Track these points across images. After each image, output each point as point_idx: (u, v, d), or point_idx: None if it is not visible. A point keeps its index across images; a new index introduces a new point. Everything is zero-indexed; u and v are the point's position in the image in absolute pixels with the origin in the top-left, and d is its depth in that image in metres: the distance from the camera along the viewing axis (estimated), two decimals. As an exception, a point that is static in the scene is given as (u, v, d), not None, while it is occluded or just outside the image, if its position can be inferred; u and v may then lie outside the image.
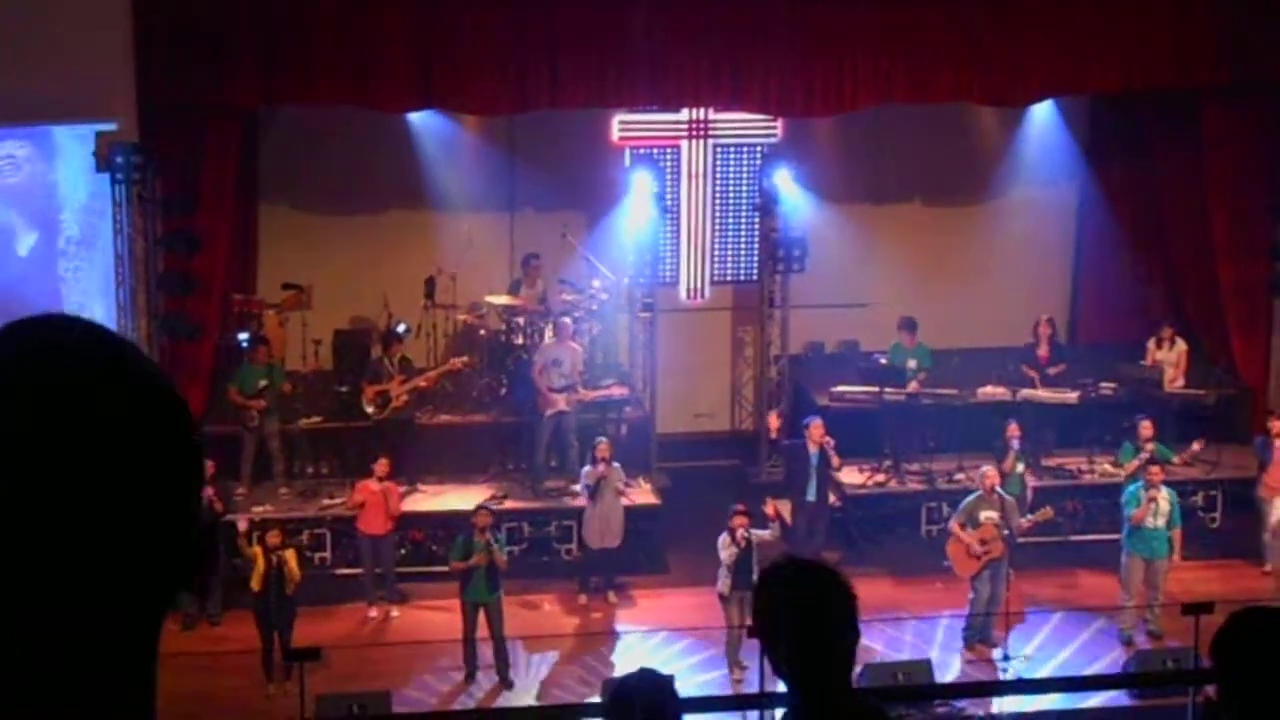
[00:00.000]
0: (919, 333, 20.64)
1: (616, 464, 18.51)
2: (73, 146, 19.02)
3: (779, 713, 3.73)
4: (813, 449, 18.44)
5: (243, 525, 17.39)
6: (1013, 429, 18.48)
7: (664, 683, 5.31)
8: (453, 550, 16.88)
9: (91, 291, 19.62)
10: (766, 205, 21.72)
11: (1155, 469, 17.50)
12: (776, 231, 21.49)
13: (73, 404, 1.53)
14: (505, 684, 16.54)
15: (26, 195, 19.15)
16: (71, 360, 1.56)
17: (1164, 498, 17.25)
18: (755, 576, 15.97)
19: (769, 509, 17.02)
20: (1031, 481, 18.66)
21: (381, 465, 18.05)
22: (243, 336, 20.10)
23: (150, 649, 1.61)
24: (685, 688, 14.40)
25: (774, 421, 20.46)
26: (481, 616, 16.58)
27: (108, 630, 1.55)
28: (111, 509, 1.53)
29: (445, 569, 17.23)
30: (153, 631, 1.61)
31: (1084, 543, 19.57)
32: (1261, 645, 3.69)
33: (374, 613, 18.20)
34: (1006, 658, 16.78)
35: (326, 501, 19.26)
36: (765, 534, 16.65)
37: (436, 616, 17.74)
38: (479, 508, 17.21)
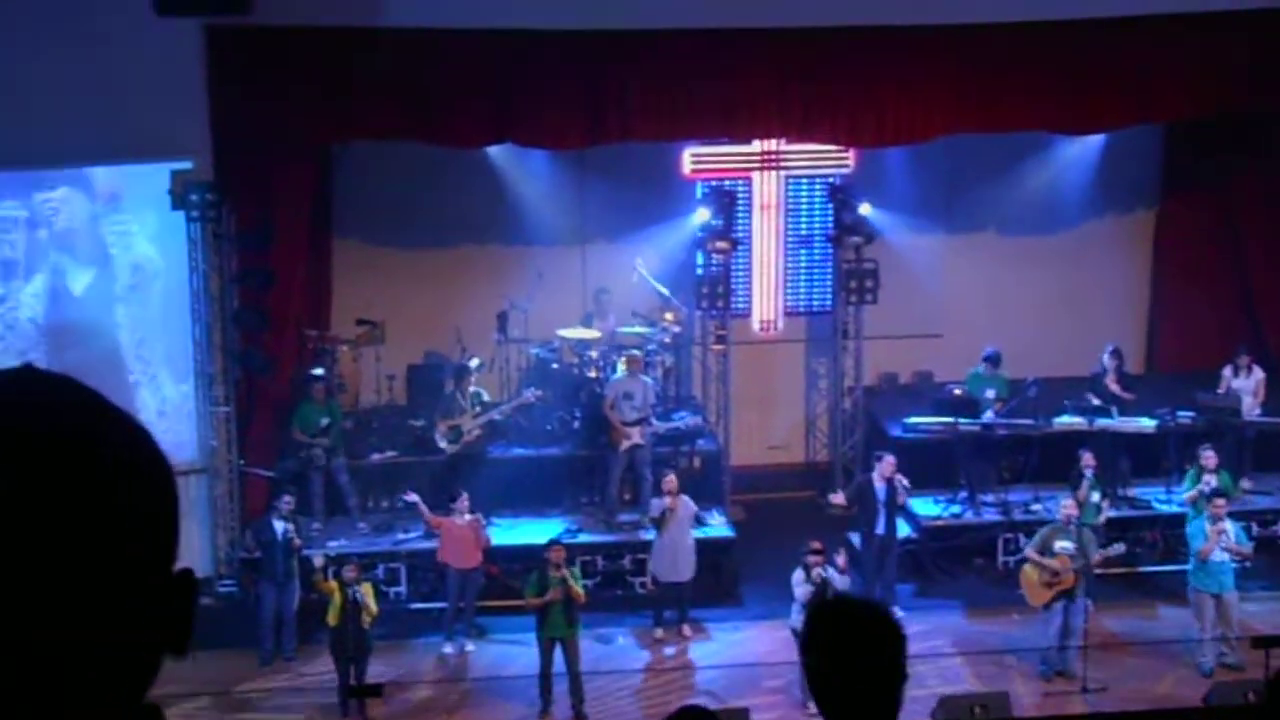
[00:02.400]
0: (1003, 361, 20.53)
1: (685, 496, 18.47)
2: (135, 186, 19.13)
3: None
4: (880, 484, 18.35)
5: (319, 561, 17.46)
6: (1087, 458, 18.33)
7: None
8: (528, 586, 16.85)
9: (153, 326, 19.72)
10: (839, 236, 21.67)
11: (1220, 501, 17.33)
12: (849, 262, 21.44)
13: (47, 459, 1.51)
14: (581, 718, 16.51)
15: (72, 236, 19.29)
16: (43, 415, 1.55)
17: (1229, 530, 17.08)
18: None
19: (839, 561, 16.81)
20: (1106, 511, 18.47)
21: (462, 501, 18.06)
22: (317, 371, 20.20)
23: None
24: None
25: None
26: (558, 652, 16.55)
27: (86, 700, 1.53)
28: (89, 566, 1.51)
29: (520, 603, 17.20)
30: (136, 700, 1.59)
31: (1163, 574, 19.36)
32: None
33: (449, 649, 18.19)
34: (1085, 690, 16.61)
35: (401, 535, 19.31)
36: (839, 581, 16.48)
37: (513, 651, 17.72)
38: (551, 542, 17.18)
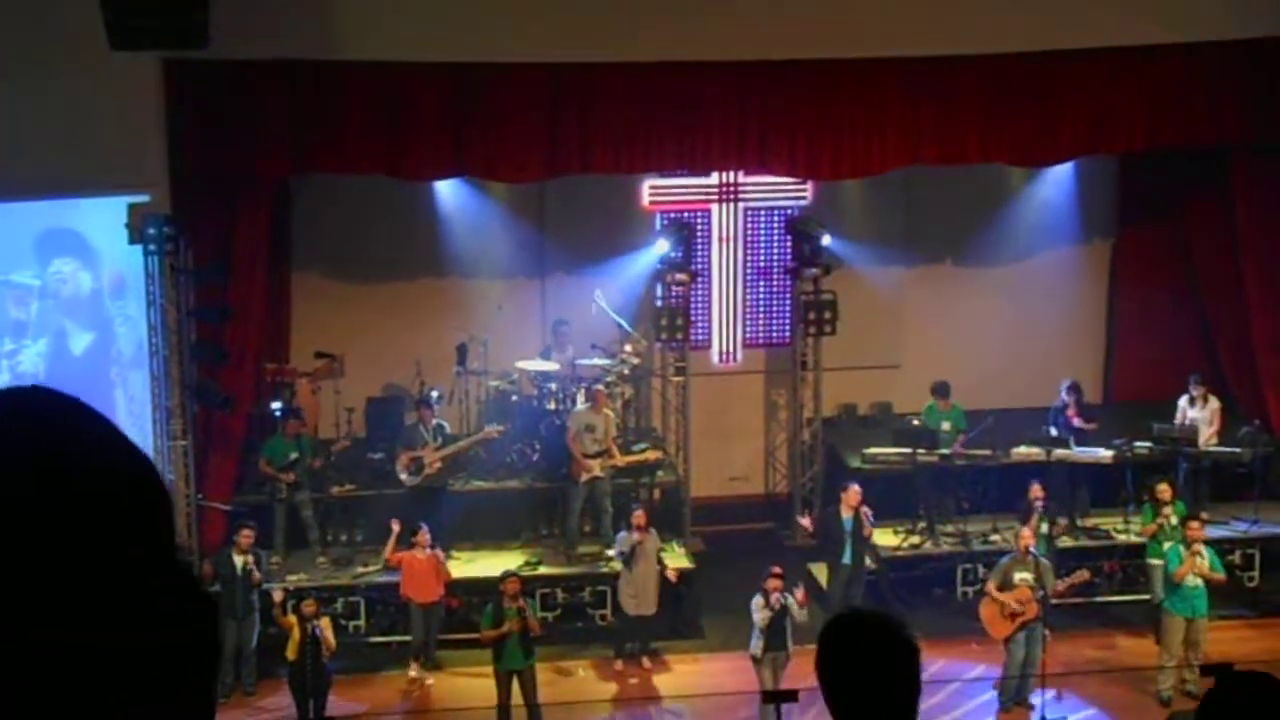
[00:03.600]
0: (952, 395, 20.59)
1: (653, 530, 18.50)
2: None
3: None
4: (846, 514, 18.39)
5: (278, 595, 17.40)
6: (1035, 490, 18.38)
7: None
8: (484, 618, 16.84)
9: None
10: (797, 267, 21.74)
11: (1195, 524, 17.44)
12: (808, 294, 21.51)
13: (42, 474, 1.53)
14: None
15: (78, 304, 19.75)
16: (36, 430, 1.57)
17: (1202, 555, 17.17)
18: (788, 640, 16.04)
19: (798, 594, 16.78)
20: (1056, 540, 18.55)
21: (423, 534, 18.02)
22: (276, 405, 20.16)
23: None
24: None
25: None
26: (516, 684, 16.52)
27: None
28: (86, 569, 1.53)
29: (478, 635, 17.16)
30: None
31: (1120, 603, 19.45)
32: (1240, 712, 3.74)
33: (414, 672, 18.13)
34: (1044, 719, 16.65)
35: (361, 569, 19.27)
36: (797, 613, 16.49)
37: (472, 684, 17.67)
38: (506, 574, 17.16)
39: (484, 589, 18.22)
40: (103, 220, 19.24)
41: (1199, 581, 17.13)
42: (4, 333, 19.15)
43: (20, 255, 19.28)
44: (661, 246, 21.31)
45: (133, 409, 19.79)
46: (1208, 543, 17.55)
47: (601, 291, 21.71)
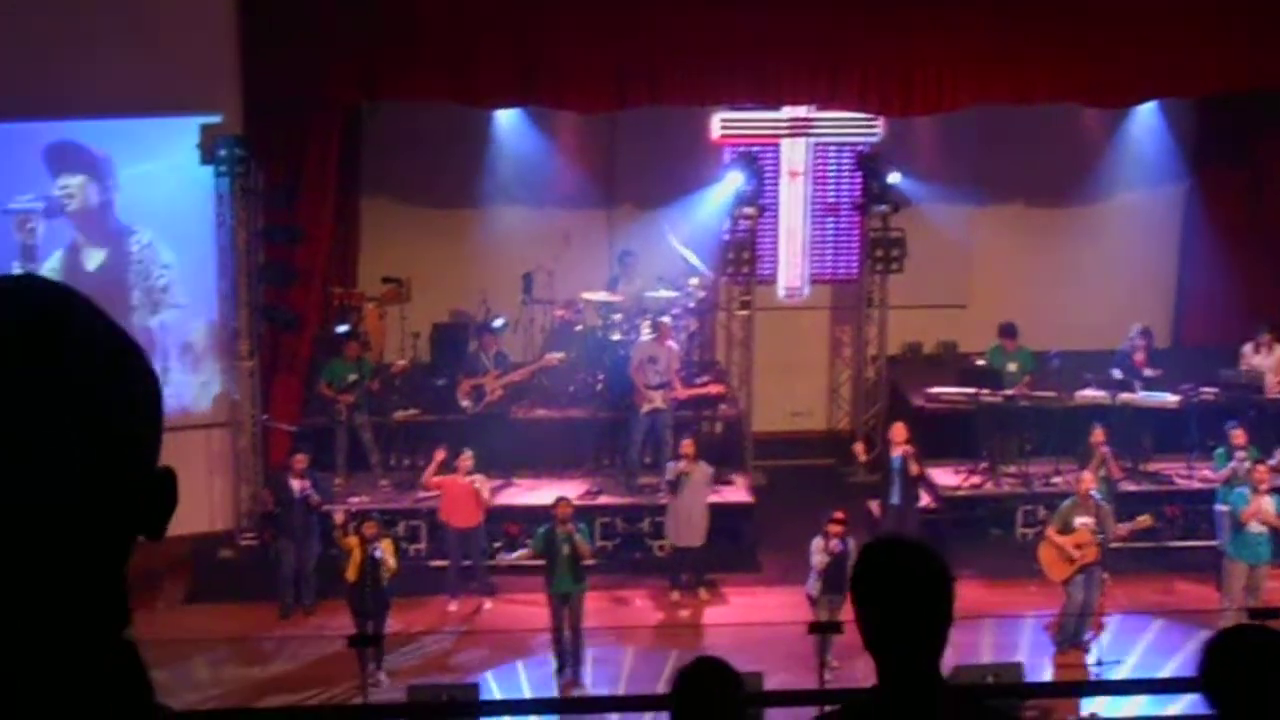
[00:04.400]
0: (1019, 336, 20.48)
1: (702, 461, 18.49)
2: (164, 146, 19.21)
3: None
4: (894, 453, 18.35)
5: (339, 517, 17.55)
6: (1097, 433, 18.29)
7: (725, 670, 5.31)
8: (534, 540, 16.92)
9: (177, 289, 19.85)
10: (866, 204, 21.66)
11: (1261, 468, 17.32)
12: (876, 231, 21.43)
13: (24, 344, 1.58)
14: (574, 675, 16.57)
15: (87, 219, 19.48)
16: (22, 305, 1.62)
17: (1269, 501, 17.06)
18: (846, 585, 15.92)
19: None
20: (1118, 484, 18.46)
21: (465, 459, 18.12)
22: (341, 328, 20.29)
23: (116, 600, 1.67)
24: (773, 685, 14.42)
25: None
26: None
27: (63, 573, 1.59)
28: (61, 447, 1.57)
29: (539, 562, 17.24)
30: (115, 580, 1.66)
31: (1182, 549, 19.35)
32: (1245, 665, 3.82)
33: (454, 606, 18.29)
34: (1099, 663, 16.61)
35: (422, 494, 19.40)
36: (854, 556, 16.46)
37: (529, 610, 17.79)
38: (559, 499, 17.21)
39: (544, 518, 18.27)
40: (111, 133, 19.19)
41: (1263, 528, 17.03)
42: (13, 259, 19.15)
43: (20, 179, 19.02)
44: (735, 179, 21.20)
45: (160, 316, 19.86)
46: (1274, 491, 17.42)
47: (669, 223, 21.71)
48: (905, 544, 3.71)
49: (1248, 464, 17.73)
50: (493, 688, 16.02)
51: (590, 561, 16.91)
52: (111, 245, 19.62)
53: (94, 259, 19.58)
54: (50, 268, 19.22)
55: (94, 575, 1.64)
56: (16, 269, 18.90)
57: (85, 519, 1.60)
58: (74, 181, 19.22)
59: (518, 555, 17.16)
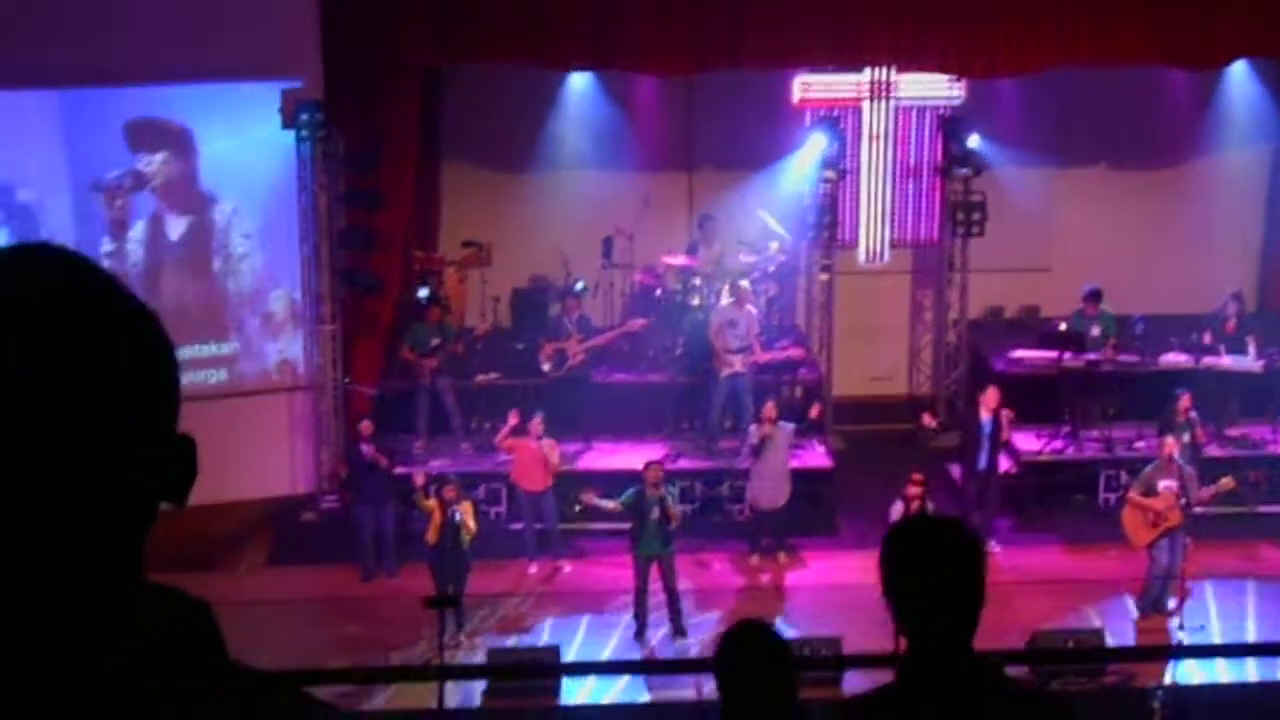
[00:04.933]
0: (1104, 301, 20.29)
1: (784, 423, 18.46)
2: (249, 117, 19.33)
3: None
4: (985, 416, 18.25)
5: (420, 479, 17.63)
6: (1185, 401, 18.12)
7: (769, 634, 5.30)
8: (623, 498, 16.93)
9: (257, 255, 20.03)
10: (948, 167, 21.51)
11: None
12: (957, 194, 21.29)
13: (38, 316, 1.60)
14: (679, 632, 16.63)
15: (170, 190, 19.75)
16: (34, 276, 1.64)
17: None
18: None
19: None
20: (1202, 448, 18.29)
21: (537, 423, 18.16)
22: (422, 293, 20.36)
23: (133, 563, 1.68)
24: (851, 649, 14.43)
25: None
26: (655, 570, 16.66)
27: (82, 537, 1.61)
28: (77, 417, 1.59)
29: (618, 526, 17.29)
30: (135, 545, 1.68)
31: (1267, 514, 19.17)
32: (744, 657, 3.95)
33: (534, 569, 18.36)
34: (1182, 628, 16.51)
35: (501, 456, 19.47)
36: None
37: (610, 572, 17.84)
38: (649, 463, 17.23)
39: (625, 481, 18.30)
40: (193, 103, 19.37)
41: None
42: (104, 233, 19.39)
43: (108, 151, 19.29)
44: (819, 142, 21.08)
45: (247, 291, 20.09)
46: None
47: (749, 186, 21.67)
48: (933, 521, 3.70)
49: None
50: (573, 650, 16.08)
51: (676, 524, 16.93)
52: (194, 214, 19.83)
53: (176, 228, 19.80)
54: (135, 238, 19.46)
55: (116, 539, 1.65)
56: (107, 244, 19.18)
57: (99, 488, 1.61)
58: (156, 159, 19.46)
59: (608, 505, 17.15)
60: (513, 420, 18.34)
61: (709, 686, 7.97)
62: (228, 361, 20.13)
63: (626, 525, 16.99)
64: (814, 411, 19.30)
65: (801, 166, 21.46)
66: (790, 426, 18.57)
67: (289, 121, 19.03)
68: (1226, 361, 19.94)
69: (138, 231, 19.52)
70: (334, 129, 19.19)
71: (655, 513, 16.57)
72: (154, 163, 19.44)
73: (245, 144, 19.44)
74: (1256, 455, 19.68)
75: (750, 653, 5.15)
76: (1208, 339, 20.10)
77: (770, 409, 18.38)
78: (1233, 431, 19.94)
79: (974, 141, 21.19)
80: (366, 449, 18.04)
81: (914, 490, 16.44)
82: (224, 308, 20.13)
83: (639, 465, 17.46)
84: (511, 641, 16.52)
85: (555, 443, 18.37)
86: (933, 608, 3.47)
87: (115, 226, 19.44)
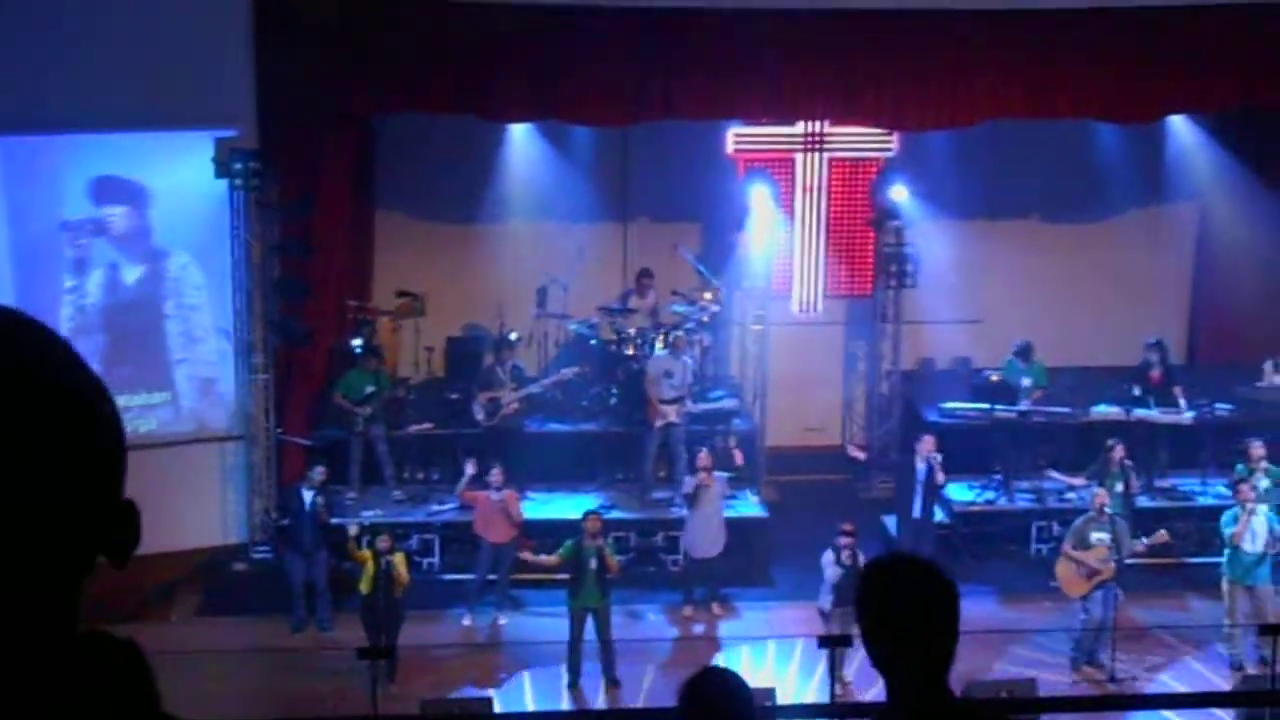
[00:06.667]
0: (1035, 352, 20.42)
1: (719, 473, 18.49)
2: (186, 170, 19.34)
3: None
4: (920, 464, 18.34)
5: (353, 529, 17.52)
6: (1118, 451, 18.22)
7: (734, 681, 5.29)
8: (562, 550, 16.88)
9: (206, 308, 20.01)
10: (881, 220, 21.63)
11: (1244, 487, 17.12)
12: (890, 246, 21.40)
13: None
14: (612, 682, 16.57)
15: (127, 240, 19.81)
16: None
17: (1261, 519, 16.85)
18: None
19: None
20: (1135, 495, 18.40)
21: (496, 474, 18.11)
22: (356, 342, 20.30)
23: (68, 615, 1.67)
24: (785, 699, 14.39)
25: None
26: (590, 622, 16.61)
27: (17, 594, 1.61)
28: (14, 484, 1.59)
29: (554, 578, 17.24)
30: (70, 598, 1.67)
31: (1197, 566, 19.28)
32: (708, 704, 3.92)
33: (468, 620, 18.26)
34: (1114, 680, 16.58)
35: (436, 507, 19.39)
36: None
37: (546, 624, 17.75)
38: (588, 513, 17.20)
39: (558, 531, 18.26)
40: (155, 163, 19.41)
41: (1257, 547, 16.80)
42: (65, 270, 19.35)
43: (74, 196, 19.37)
44: (750, 194, 21.18)
45: (189, 341, 20.11)
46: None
47: (683, 238, 21.72)
48: (909, 561, 3.70)
49: (1265, 483, 17.52)
50: (505, 702, 15.99)
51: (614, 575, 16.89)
52: (148, 264, 19.82)
53: (131, 275, 19.77)
54: (94, 282, 19.43)
55: (51, 595, 1.65)
56: (69, 281, 19.19)
57: (37, 549, 1.61)
58: (117, 211, 19.47)
59: (548, 560, 17.11)
60: (470, 470, 18.30)
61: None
62: (160, 409, 20.00)
63: (563, 577, 16.93)
64: (737, 459, 19.36)
65: (736, 218, 21.52)
66: (724, 476, 18.61)
67: (222, 170, 18.96)
68: (1156, 414, 20.07)
69: (97, 276, 19.60)
70: (268, 178, 19.12)
71: (594, 563, 16.54)
72: (115, 215, 19.48)
73: (185, 194, 19.38)
74: (1187, 507, 19.80)
75: (715, 699, 5.13)
76: (1137, 392, 20.23)
77: (705, 458, 18.39)
78: (1162, 483, 20.06)
79: (906, 194, 21.30)
80: (309, 495, 17.93)
81: (845, 540, 16.46)
82: (163, 355, 20.02)
83: (573, 515, 17.40)
84: (445, 693, 16.40)
85: (517, 495, 18.32)
86: (909, 646, 3.47)
87: (76, 265, 19.44)
